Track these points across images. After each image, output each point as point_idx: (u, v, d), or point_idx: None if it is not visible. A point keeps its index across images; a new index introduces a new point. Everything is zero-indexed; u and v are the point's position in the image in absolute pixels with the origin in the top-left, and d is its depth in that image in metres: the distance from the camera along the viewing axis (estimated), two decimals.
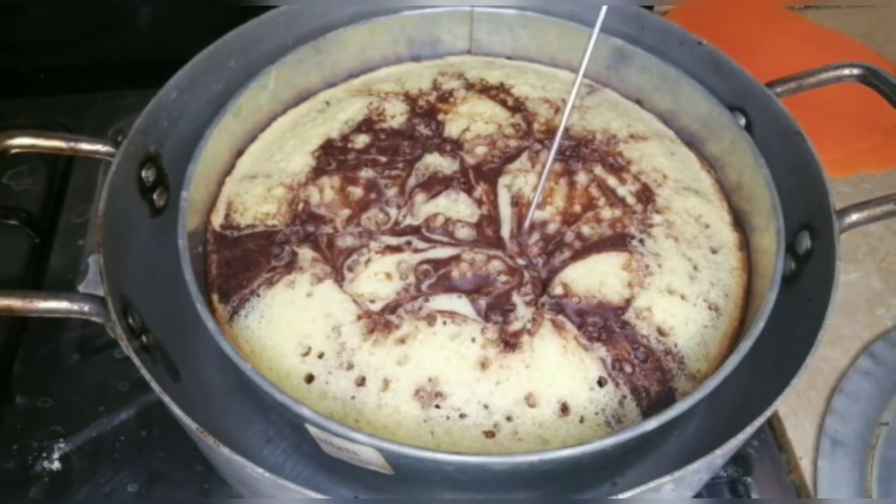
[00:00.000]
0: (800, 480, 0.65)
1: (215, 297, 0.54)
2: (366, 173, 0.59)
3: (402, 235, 0.56)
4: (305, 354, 0.51)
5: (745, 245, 0.58)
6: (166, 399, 0.45)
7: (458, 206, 0.58)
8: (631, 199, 0.59)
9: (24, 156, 0.57)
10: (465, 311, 0.51)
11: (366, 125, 0.63)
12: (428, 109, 0.65)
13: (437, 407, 0.48)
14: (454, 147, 0.62)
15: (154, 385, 0.45)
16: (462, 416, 0.48)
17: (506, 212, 0.58)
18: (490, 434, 0.48)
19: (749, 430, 0.45)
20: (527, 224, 0.56)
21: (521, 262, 0.55)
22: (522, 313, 0.52)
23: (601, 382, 0.50)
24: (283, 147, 0.62)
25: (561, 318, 0.52)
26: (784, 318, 0.51)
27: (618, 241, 0.56)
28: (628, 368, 0.50)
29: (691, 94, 0.63)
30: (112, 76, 0.91)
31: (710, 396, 0.46)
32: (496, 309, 0.52)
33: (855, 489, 0.63)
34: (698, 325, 0.53)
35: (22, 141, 0.54)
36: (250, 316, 0.53)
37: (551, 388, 0.49)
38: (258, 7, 0.66)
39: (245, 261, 0.55)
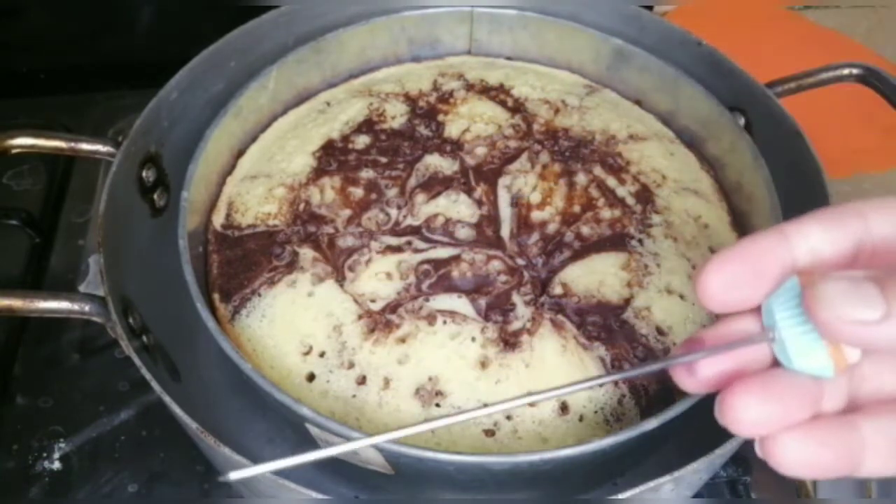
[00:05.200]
0: (800, 480, 0.65)
1: (216, 296, 0.54)
2: (366, 174, 0.59)
3: (402, 235, 0.56)
4: (307, 353, 0.51)
5: None
6: (167, 399, 0.45)
7: (458, 207, 0.58)
8: (630, 200, 0.59)
9: (24, 156, 0.57)
10: (465, 311, 0.52)
11: (366, 126, 0.63)
12: (428, 110, 0.65)
13: (438, 406, 0.48)
14: (454, 148, 0.62)
15: (154, 385, 0.45)
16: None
17: (505, 212, 0.58)
18: (490, 433, 0.48)
19: None
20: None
21: (520, 261, 0.55)
22: (522, 313, 0.52)
23: None
24: (284, 147, 0.62)
25: (560, 317, 0.52)
26: None
27: (617, 241, 0.56)
28: (627, 367, 0.50)
29: (691, 94, 0.63)
30: (112, 76, 0.91)
31: (710, 395, 0.46)
32: (496, 308, 0.52)
33: (855, 489, 0.63)
34: (697, 325, 0.53)
35: (22, 141, 0.54)
36: (251, 315, 0.53)
37: None
38: (258, 7, 0.66)
39: (246, 260, 0.55)
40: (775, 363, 0.30)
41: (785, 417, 0.29)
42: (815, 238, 0.30)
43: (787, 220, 0.30)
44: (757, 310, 0.31)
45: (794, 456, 0.28)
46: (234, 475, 0.29)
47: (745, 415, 0.29)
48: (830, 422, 0.29)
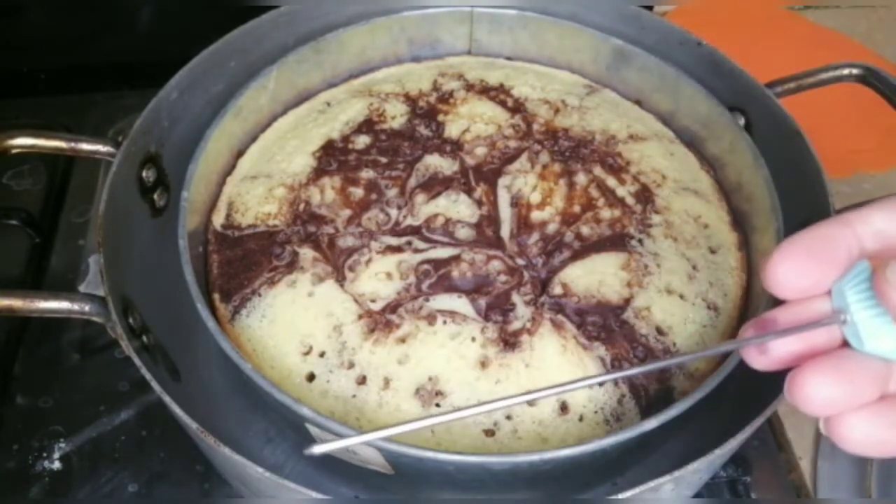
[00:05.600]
0: (800, 480, 0.65)
1: (216, 296, 0.54)
2: (366, 174, 0.59)
3: (402, 236, 0.56)
4: (307, 353, 0.51)
5: (745, 245, 0.58)
6: (167, 399, 0.45)
7: (458, 207, 0.58)
8: (630, 200, 0.59)
9: (24, 156, 0.57)
10: (465, 311, 0.52)
11: (366, 126, 0.63)
12: (428, 110, 0.65)
13: (438, 405, 0.48)
14: (454, 148, 0.62)
15: (154, 385, 0.45)
16: None
17: (505, 212, 0.58)
18: (490, 433, 0.48)
19: (749, 430, 0.45)
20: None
21: (520, 261, 0.55)
22: (522, 313, 0.52)
23: None
24: (284, 147, 0.62)
25: (560, 317, 0.52)
26: None
27: (617, 241, 0.56)
28: (627, 367, 0.50)
29: (691, 94, 0.63)
30: (112, 76, 0.92)
31: (709, 396, 0.46)
32: (496, 308, 0.52)
33: (855, 489, 0.63)
34: (697, 325, 0.53)
35: (22, 141, 0.54)
36: (252, 315, 0.53)
37: None
38: (259, 7, 0.66)
39: (246, 260, 0.55)
40: (843, 344, 0.31)
41: (855, 398, 0.29)
42: (879, 223, 0.30)
43: (850, 210, 0.31)
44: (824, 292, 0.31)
45: (862, 436, 0.29)
46: (317, 449, 0.30)
47: (816, 394, 0.29)
48: None
